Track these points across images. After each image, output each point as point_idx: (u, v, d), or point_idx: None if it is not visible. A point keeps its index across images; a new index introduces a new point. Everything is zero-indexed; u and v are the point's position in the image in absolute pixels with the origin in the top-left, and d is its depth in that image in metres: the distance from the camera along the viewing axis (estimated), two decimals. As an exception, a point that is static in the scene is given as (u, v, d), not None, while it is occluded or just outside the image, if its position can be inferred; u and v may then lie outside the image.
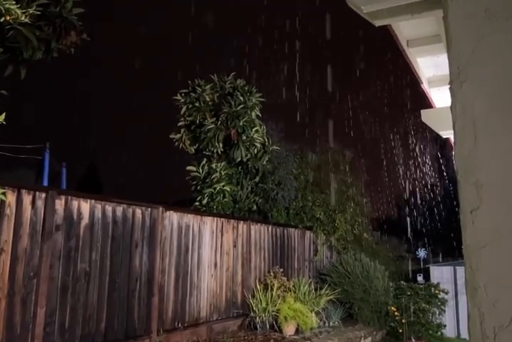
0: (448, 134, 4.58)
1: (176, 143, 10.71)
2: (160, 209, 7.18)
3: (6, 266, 4.87)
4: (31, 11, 3.26)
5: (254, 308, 8.72)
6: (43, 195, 5.36)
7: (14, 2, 3.14)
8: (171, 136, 10.73)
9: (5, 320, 4.80)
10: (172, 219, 7.48)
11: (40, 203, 5.31)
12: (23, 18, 3.25)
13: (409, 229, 21.36)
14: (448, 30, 1.79)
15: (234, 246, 9.01)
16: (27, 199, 5.17)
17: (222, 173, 10.13)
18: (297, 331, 8.71)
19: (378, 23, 2.47)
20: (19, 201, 5.06)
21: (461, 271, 11.24)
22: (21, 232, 5.06)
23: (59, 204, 5.55)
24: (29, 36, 3.96)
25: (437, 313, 10.74)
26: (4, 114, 3.09)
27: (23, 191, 5.13)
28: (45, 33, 4.40)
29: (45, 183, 11.42)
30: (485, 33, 1.68)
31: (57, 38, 4.53)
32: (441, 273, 12.07)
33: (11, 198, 4.93)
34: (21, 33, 3.92)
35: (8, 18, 3.18)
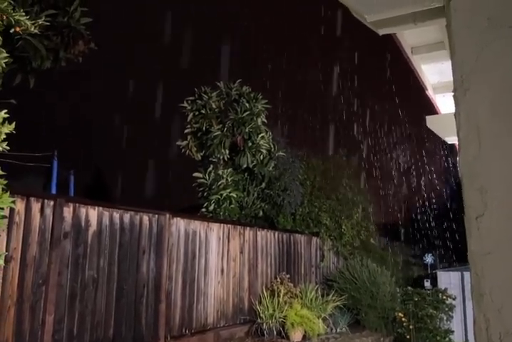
0: (453, 140, 4.59)
1: (183, 150, 10.77)
2: (167, 215, 7.21)
3: (15, 273, 4.90)
4: (40, 22, 3.32)
5: (261, 315, 8.71)
6: (52, 203, 5.41)
7: (24, 13, 3.19)
8: (178, 143, 10.78)
9: (14, 328, 4.83)
10: (179, 225, 7.51)
11: (48, 211, 5.35)
12: (32, 28, 3.30)
13: (416, 235, 21.28)
14: (451, 39, 1.82)
15: (241, 252, 9.02)
16: (36, 206, 5.21)
17: (229, 179, 10.16)
18: (304, 338, 8.70)
19: (382, 31, 2.49)
20: (28, 209, 5.11)
21: (468, 276, 11.17)
22: (30, 240, 5.11)
23: (67, 211, 5.59)
24: (38, 46, 4.02)
25: (445, 318, 10.69)
26: (14, 123, 3.14)
27: (32, 199, 5.18)
28: (53, 42, 4.46)
29: (54, 191, 11.48)
30: (488, 41, 1.70)
31: (65, 48, 4.59)
32: (448, 279, 12.03)
33: (20, 206, 4.98)
34: (30, 43, 3.98)
35: (18, 29, 3.23)
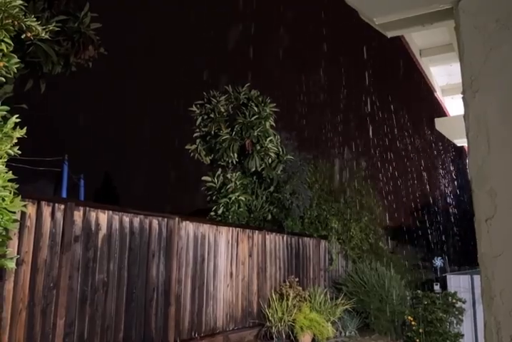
0: (462, 142, 4.58)
1: (192, 154, 10.80)
2: (176, 219, 7.23)
3: (27, 277, 4.94)
4: (50, 27, 3.35)
5: (270, 318, 8.70)
6: (62, 207, 5.44)
7: (35, 19, 3.23)
8: (187, 147, 10.82)
9: (25, 331, 4.86)
10: (188, 229, 7.53)
11: (59, 215, 5.39)
12: (43, 34, 3.33)
13: (425, 238, 21.17)
14: (460, 41, 1.82)
15: (250, 255, 9.02)
16: (47, 210, 5.25)
17: (237, 183, 10.18)
18: (313, 341, 8.68)
19: (390, 34, 2.49)
20: (39, 213, 5.14)
21: (478, 279, 11.11)
22: (41, 243, 5.14)
23: (78, 215, 5.62)
24: (49, 52, 4.06)
25: (454, 322, 10.62)
26: (25, 128, 3.17)
27: (43, 203, 5.21)
28: (64, 48, 4.50)
29: (64, 195, 11.56)
30: (497, 43, 1.70)
31: (75, 53, 4.63)
32: (458, 282, 11.94)
33: (31, 210, 5.02)
34: (41, 49, 4.03)
35: (29, 34, 3.26)
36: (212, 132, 10.53)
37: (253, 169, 10.32)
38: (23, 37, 3.33)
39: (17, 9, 3.15)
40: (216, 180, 10.26)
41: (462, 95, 1.76)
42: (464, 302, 10.90)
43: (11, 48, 3.15)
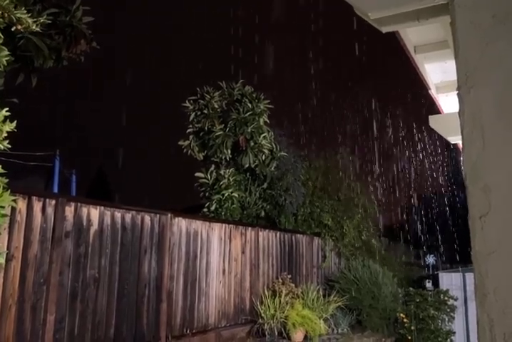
0: (456, 140, 4.58)
1: (185, 150, 10.75)
2: (169, 215, 7.19)
3: (17, 272, 4.89)
4: (41, 20, 3.31)
5: (263, 315, 8.69)
6: (53, 202, 5.39)
7: (25, 11, 3.19)
8: (180, 143, 10.76)
9: (15, 327, 4.82)
10: (181, 225, 7.50)
11: (50, 210, 5.34)
12: (34, 27, 3.29)
13: (418, 235, 21.26)
14: (455, 36, 1.80)
15: (243, 252, 9.00)
16: (37, 206, 5.20)
17: (231, 179, 10.15)
18: (306, 338, 8.69)
19: (385, 29, 2.47)
20: (29, 208, 5.09)
21: (470, 277, 11.18)
22: (32, 239, 5.09)
23: (69, 210, 5.58)
24: (40, 45, 4.01)
25: (446, 319, 10.67)
26: (15, 122, 3.12)
27: (34, 198, 5.16)
28: (55, 41, 4.45)
29: (55, 190, 11.50)
30: (493, 38, 1.68)
31: (67, 47, 4.58)
32: (450, 280, 12.00)
33: (21, 205, 4.97)
34: (32, 42, 3.98)
35: (19, 27, 3.22)
36: (206, 128, 10.48)
37: (246, 166, 10.30)
38: (13, 29, 3.28)
39: (7, 1, 3.10)
40: (209, 176, 10.23)
41: (457, 91, 1.74)
42: (456, 300, 10.96)
43: (0, 41, 3.11)
